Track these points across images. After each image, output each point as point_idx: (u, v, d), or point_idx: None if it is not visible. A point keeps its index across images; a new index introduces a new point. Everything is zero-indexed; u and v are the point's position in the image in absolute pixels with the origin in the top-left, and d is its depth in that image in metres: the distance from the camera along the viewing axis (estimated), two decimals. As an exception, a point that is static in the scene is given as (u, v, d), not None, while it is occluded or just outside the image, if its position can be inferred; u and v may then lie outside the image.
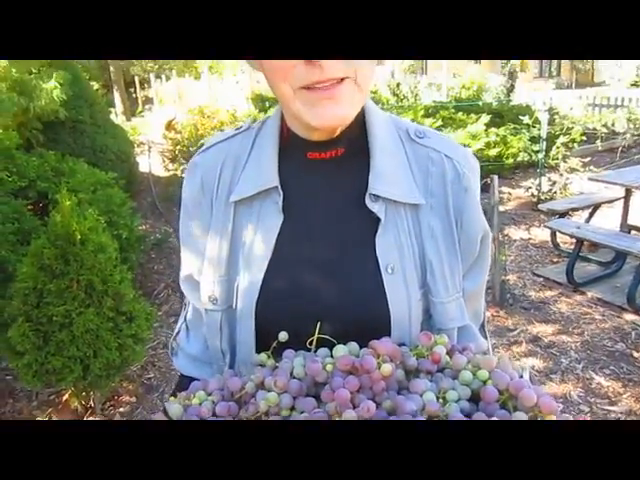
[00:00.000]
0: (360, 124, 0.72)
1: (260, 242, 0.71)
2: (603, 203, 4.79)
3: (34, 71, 5.39)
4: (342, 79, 0.61)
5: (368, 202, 0.69)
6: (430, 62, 20.61)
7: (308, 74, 0.60)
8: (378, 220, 0.69)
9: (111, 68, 12.34)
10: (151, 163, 6.77)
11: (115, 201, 3.76)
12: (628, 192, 4.34)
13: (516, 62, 9.55)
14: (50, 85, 4.86)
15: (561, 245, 4.62)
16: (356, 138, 0.72)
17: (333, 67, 0.59)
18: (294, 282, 0.71)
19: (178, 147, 5.78)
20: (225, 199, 0.74)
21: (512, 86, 9.34)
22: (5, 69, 5.12)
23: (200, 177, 0.76)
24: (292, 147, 0.73)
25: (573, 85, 22.97)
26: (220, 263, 0.74)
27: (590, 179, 4.51)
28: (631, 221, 4.51)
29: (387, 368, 0.56)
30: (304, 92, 0.61)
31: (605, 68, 24.11)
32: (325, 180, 0.73)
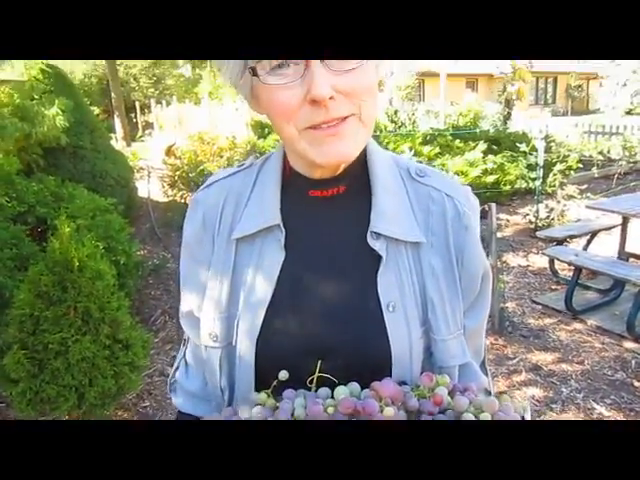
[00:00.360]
0: (362, 162, 0.72)
1: (262, 279, 0.71)
2: (601, 230, 4.81)
3: (36, 97, 5.45)
4: (346, 117, 0.61)
5: (370, 240, 0.69)
6: (427, 90, 20.92)
7: (313, 115, 0.60)
8: (379, 258, 0.69)
9: (112, 94, 12.47)
10: (150, 188, 6.79)
11: (114, 227, 3.76)
12: (625, 220, 4.36)
13: (512, 90, 9.67)
14: (52, 112, 4.90)
15: (559, 272, 4.62)
16: (358, 176, 0.72)
17: (338, 106, 0.60)
18: (295, 320, 0.71)
19: (177, 173, 5.81)
20: (227, 236, 0.74)
21: (509, 114, 9.47)
22: (8, 95, 5.18)
23: (202, 214, 0.76)
24: (294, 185, 0.73)
25: (569, 112, 23.27)
26: (221, 300, 0.73)
27: (587, 207, 4.53)
28: (629, 248, 4.52)
29: (389, 411, 0.55)
30: (310, 132, 0.62)
31: (600, 96, 24.44)
32: (327, 218, 0.73)
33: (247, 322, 0.71)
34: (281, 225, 0.71)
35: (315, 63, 0.58)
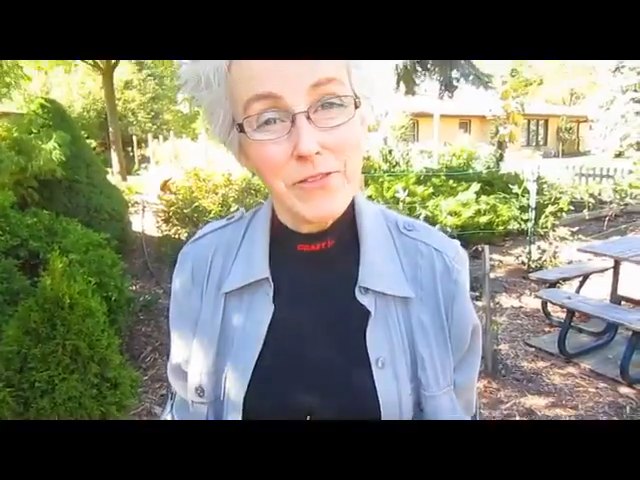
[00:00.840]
0: (350, 216, 0.73)
1: (250, 334, 0.71)
2: (593, 273, 4.83)
3: (34, 131, 5.51)
4: (332, 172, 0.62)
5: (358, 295, 0.69)
6: (422, 130, 21.28)
7: (300, 170, 0.61)
8: (368, 313, 0.69)
9: (110, 129, 12.60)
10: (144, 223, 6.80)
11: (106, 262, 3.75)
12: (617, 263, 4.39)
13: (504, 132, 9.86)
14: (49, 146, 4.94)
15: (552, 314, 4.61)
16: (346, 230, 0.73)
17: (324, 162, 0.61)
18: (283, 375, 0.70)
19: (172, 208, 5.83)
20: (215, 289, 0.74)
21: (501, 155, 9.61)
22: (6, 128, 5.23)
23: (190, 267, 0.76)
24: (283, 239, 0.73)
25: (560, 154, 23.67)
26: (208, 354, 0.72)
27: (579, 250, 4.56)
28: (621, 291, 4.53)
29: None
30: (297, 187, 0.62)
31: (590, 138, 24.93)
32: (315, 272, 0.72)
33: (235, 378, 0.70)
34: (270, 279, 0.71)
35: (301, 119, 0.58)
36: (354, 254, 0.72)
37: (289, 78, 0.58)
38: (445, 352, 0.71)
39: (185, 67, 0.64)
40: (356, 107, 0.62)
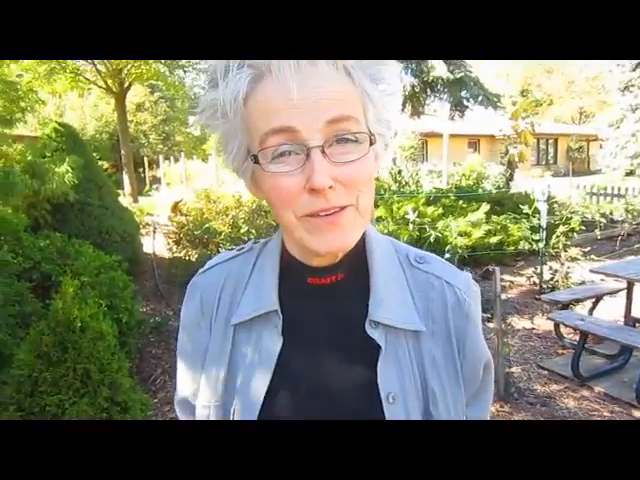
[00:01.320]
0: (361, 249, 0.72)
1: (258, 367, 0.70)
2: (606, 294, 4.77)
3: (48, 155, 5.59)
4: (344, 206, 0.62)
5: (368, 329, 0.69)
6: (431, 150, 21.33)
7: (312, 203, 0.61)
8: (378, 347, 0.68)
9: (122, 151, 12.77)
10: (155, 244, 6.85)
11: (117, 284, 3.77)
12: (630, 284, 4.34)
13: (515, 152, 9.85)
14: (62, 169, 5.01)
15: (565, 335, 4.55)
16: (356, 263, 0.72)
17: (336, 196, 0.61)
18: (293, 409, 0.69)
19: (183, 230, 5.87)
20: (224, 321, 0.74)
21: (511, 175, 9.60)
22: (20, 152, 5.32)
23: (200, 297, 0.76)
24: (292, 271, 0.73)
25: (570, 173, 23.60)
26: (217, 387, 0.72)
27: (591, 271, 4.52)
28: (635, 313, 4.47)
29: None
30: (308, 219, 0.62)
31: (600, 157, 24.86)
32: (325, 305, 0.72)
33: (244, 411, 0.70)
34: (279, 311, 0.71)
35: (316, 153, 0.59)
36: (364, 287, 0.71)
37: (306, 114, 0.58)
38: (457, 387, 0.70)
39: (203, 95, 0.65)
40: (371, 144, 0.63)
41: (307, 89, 0.58)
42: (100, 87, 12.29)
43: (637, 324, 4.44)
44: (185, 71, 13.16)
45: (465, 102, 8.70)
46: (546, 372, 4.05)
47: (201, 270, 0.80)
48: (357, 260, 0.72)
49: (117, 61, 11.38)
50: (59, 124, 5.97)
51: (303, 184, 0.60)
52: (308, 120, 0.58)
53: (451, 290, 0.72)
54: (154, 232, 7.18)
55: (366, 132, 0.62)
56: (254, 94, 0.61)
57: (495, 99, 8.79)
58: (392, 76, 0.65)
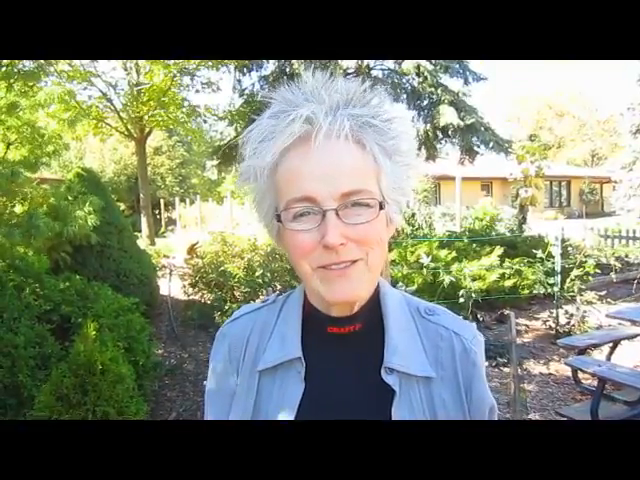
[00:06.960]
0: (376, 302, 0.80)
1: (282, 411, 0.76)
2: (623, 339, 4.72)
3: (70, 198, 5.76)
4: (355, 260, 0.70)
5: (384, 375, 0.75)
6: (443, 192, 21.45)
7: (325, 256, 0.69)
8: (393, 392, 0.74)
9: (141, 195, 13.05)
10: (171, 286, 6.93)
11: (135, 327, 3.83)
12: (647, 329, 4.30)
13: (526, 196, 9.90)
14: (84, 212, 5.15)
15: (583, 381, 4.49)
16: (372, 315, 0.79)
17: (348, 251, 0.69)
18: None
19: (199, 273, 5.95)
20: (250, 367, 0.80)
21: (524, 218, 9.63)
22: (43, 195, 5.48)
23: (228, 346, 0.84)
24: (314, 321, 0.80)
25: (584, 215, 23.54)
26: None
27: (608, 316, 4.48)
28: (653, 358, 4.41)
29: None
30: (321, 270, 0.70)
31: (614, 199, 24.79)
32: (344, 353, 0.79)
33: None
34: (302, 358, 0.77)
35: (331, 215, 0.67)
36: (380, 337, 0.78)
37: (325, 185, 0.67)
38: None
39: (244, 163, 0.74)
40: (381, 208, 0.70)
41: (327, 164, 0.67)
42: (121, 133, 12.68)
43: (656, 370, 4.37)
44: (205, 121, 13.55)
45: (476, 148, 8.83)
46: (565, 419, 3.98)
47: (229, 320, 0.88)
48: (372, 312, 0.80)
49: (138, 108, 11.77)
50: (82, 169, 6.17)
51: (318, 240, 0.68)
52: (326, 191, 0.67)
53: (458, 340, 0.79)
54: (170, 274, 7.27)
55: (376, 199, 0.70)
56: (284, 162, 0.70)
57: (506, 145, 8.92)
58: (407, 149, 0.74)
